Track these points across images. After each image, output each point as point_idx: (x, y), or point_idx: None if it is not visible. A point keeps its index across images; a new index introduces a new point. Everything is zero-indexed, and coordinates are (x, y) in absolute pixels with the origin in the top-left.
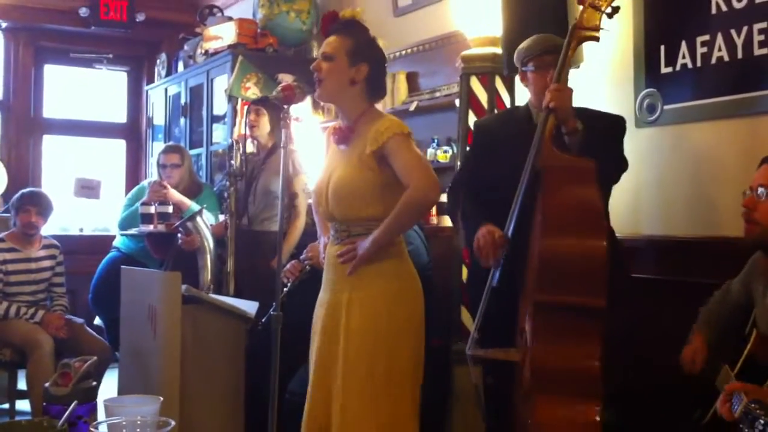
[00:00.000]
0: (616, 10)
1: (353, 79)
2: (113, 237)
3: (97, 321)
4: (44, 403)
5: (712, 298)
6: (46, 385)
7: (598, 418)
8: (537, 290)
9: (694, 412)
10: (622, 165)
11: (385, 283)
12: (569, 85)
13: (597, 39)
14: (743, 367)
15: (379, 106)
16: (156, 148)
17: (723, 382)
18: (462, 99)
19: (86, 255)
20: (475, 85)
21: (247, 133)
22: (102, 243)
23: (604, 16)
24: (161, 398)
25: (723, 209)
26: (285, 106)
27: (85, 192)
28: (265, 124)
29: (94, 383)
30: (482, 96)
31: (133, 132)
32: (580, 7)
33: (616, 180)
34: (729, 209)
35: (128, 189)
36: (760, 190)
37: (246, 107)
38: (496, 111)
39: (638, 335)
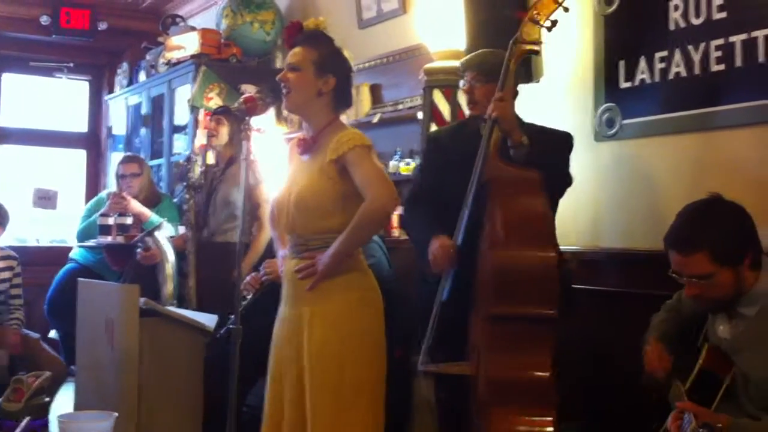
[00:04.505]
0: (554, 23)
1: (320, 90)
2: (70, 248)
3: (53, 334)
4: None
5: (663, 308)
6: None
7: (552, 429)
8: (488, 302)
9: (652, 424)
10: (566, 180)
11: (346, 296)
12: (530, 98)
13: (537, 52)
14: (695, 380)
15: (342, 117)
16: (116, 158)
17: (675, 398)
18: (425, 111)
19: (43, 266)
20: (438, 97)
21: (207, 143)
22: (59, 254)
23: (544, 30)
24: (116, 414)
25: None
26: (247, 118)
27: (42, 203)
28: (224, 134)
29: (47, 399)
30: (445, 109)
31: (93, 142)
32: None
33: (560, 195)
34: None
35: (88, 200)
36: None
37: (206, 117)
38: None
39: (599, 348)
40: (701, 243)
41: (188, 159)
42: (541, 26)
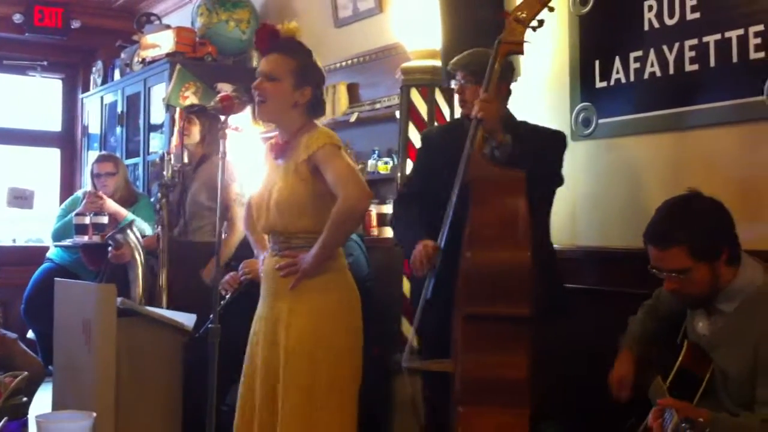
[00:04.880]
0: (540, 23)
1: (296, 101)
2: (47, 248)
3: (30, 334)
4: None
5: (642, 307)
6: None
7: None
8: (464, 301)
9: (628, 420)
10: (555, 180)
11: (324, 295)
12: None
13: (521, 52)
14: (675, 377)
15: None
16: (91, 157)
17: (655, 394)
18: (402, 111)
19: (19, 266)
20: (416, 97)
21: (179, 142)
22: (35, 254)
23: (529, 30)
24: (94, 414)
25: None
26: (223, 117)
27: (18, 202)
28: (195, 133)
29: (25, 399)
30: (422, 108)
31: (67, 141)
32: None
33: (551, 194)
34: None
35: (63, 199)
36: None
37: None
38: (435, 123)
39: (576, 346)
40: (679, 238)
41: (162, 158)
42: (526, 26)
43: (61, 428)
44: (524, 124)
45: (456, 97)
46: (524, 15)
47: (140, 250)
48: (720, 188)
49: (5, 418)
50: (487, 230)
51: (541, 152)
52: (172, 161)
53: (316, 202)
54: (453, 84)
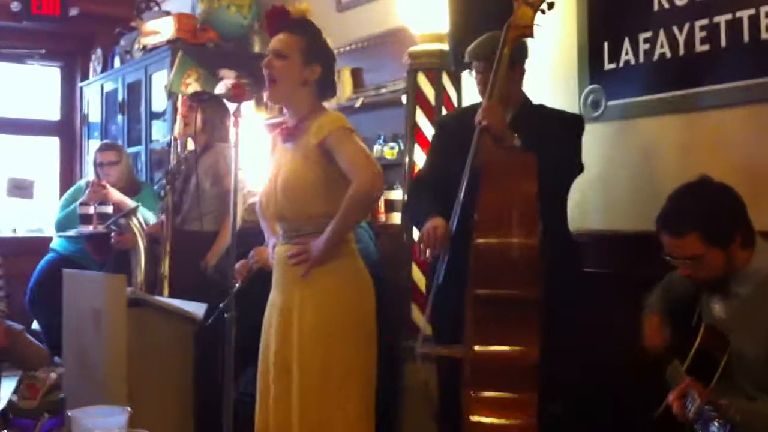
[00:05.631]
0: (550, 6)
1: (306, 79)
2: (48, 238)
3: (35, 325)
4: (10, 416)
5: (655, 289)
6: (11, 397)
7: (534, 413)
8: (474, 284)
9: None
10: (575, 169)
11: (336, 281)
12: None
13: (531, 36)
14: (693, 360)
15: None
16: (92, 146)
17: (674, 377)
18: (409, 95)
19: (20, 256)
20: (422, 81)
21: (182, 130)
22: (37, 244)
23: (539, 13)
24: (129, 408)
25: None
26: (236, 104)
27: (18, 192)
28: (198, 120)
29: (62, 395)
30: (429, 92)
31: (67, 129)
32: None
33: (568, 181)
34: None
35: (62, 188)
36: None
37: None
38: (443, 107)
39: (586, 329)
40: (691, 224)
41: (169, 145)
42: (536, 9)
43: (96, 423)
44: (541, 108)
45: (476, 86)
46: None
47: (143, 237)
48: (731, 170)
49: (45, 415)
50: (496, 213)
51: (558, 137)
52: (178, 148)
53: (327, 187)
54: (470, 73)
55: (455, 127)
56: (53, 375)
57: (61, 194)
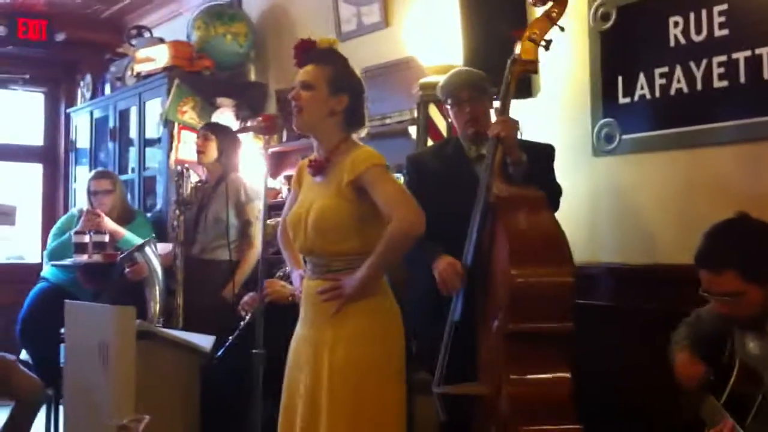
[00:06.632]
0: (549, 43)
1: (333, 109)
2: (30, 266)
3: (24, 355)
4: None
5: (681, 326)
6: None
7: None
8: (508, 320)
9: None
10: (559, 189)
11: (369, 319)
12: (527, 114)
13: (536, 71)
14: (728, 397)
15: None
16: (79, 172)
17: (712, 414)
18: (420, 126)
19: (5, 284)
20: (434, 112)
21: (184, 158)
22: (17, 272)
23: (541, 49)
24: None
25: (676, 236)
26: (265, 137)
27: (0, 219)
28: (212, 149)
29: None
30: (441, 123)
31: (50, 156)
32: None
33: (557, 206)
34: (682, 236)
35: (45, 215)
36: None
37: (181, 132)
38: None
39: (591, 362)
40: (731, 261)
41: (180, 174)
42: (538, 45)
43: None
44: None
45: (459, 116)
46: (536, 34)
47: (158, 269)
48: (746, 205)
49: None
50: (526, 248)
51: (543, 168)
52: (189, 178)
53: (360, 225)
54: (448, 105)
55: (433, 162)
56: (142, 424)
57: (44, 221)
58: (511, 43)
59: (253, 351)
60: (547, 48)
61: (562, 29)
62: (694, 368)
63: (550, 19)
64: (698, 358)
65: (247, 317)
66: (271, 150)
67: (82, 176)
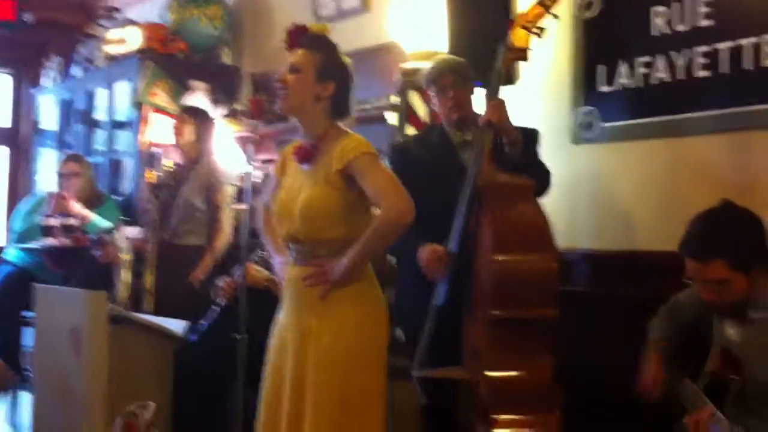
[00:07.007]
0: (542, 30)
1: (318, 95)
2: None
3: None
4: None
5: (659, 314)
6: None
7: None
8: (492, 306)
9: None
10: (549, 175)
11: (354, 307)
12: (507, 100)
13: (526, 59)
14: (706, 383)
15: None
16: (45, 155)
17: (691, 397)
18: (400, 112)
19: None
20: (415, 99)
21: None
22: None
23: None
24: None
25: (655, 224)
26: (254, 121)
27: None
28: (189, 132)
29: None
30: (421, 110)
31: (16, 138)
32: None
33: (548, 186)
34: (661, 224)
35: (10, 197)
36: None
37: (151, 114)
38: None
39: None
40: (718, 251)
41: (153, 156)
42: (531, 33)
43: None
44: None
45: (443, 102)
46: (529, 22)
47: (127, 252)
48: (725, 194)
49: None
50: (511, 235)
51: (532, 151)
52: (170, 161)
53: (347, 212)
54: (434, 91)
55: (418, 150)
56: (148, 412)
57: (9, 204)
58: (497, 30)
59: (235, 336)
60: (540, 36)
61: (556, 17)
62: (657, 382)
63: (544, 7)
64: (662, 370)
65: (222, 302)
66: (244, 134)
67: (47, 159)
